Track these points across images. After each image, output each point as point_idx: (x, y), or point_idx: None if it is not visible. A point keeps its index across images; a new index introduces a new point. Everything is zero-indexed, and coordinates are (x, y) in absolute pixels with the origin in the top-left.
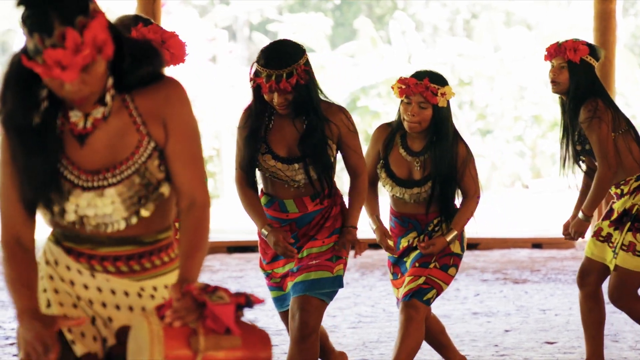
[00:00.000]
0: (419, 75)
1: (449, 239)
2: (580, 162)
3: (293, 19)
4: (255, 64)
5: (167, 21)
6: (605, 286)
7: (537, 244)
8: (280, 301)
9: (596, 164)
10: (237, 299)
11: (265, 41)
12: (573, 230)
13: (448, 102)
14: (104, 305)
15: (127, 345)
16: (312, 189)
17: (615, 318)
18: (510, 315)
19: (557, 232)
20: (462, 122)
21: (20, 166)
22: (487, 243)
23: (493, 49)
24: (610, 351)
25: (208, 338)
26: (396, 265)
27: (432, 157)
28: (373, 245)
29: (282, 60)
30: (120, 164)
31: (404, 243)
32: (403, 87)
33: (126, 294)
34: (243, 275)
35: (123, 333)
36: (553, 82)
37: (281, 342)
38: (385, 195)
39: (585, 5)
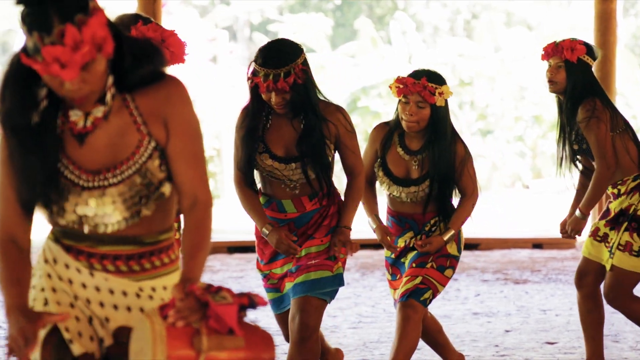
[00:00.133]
0: (417, 75)
1: (446, 238)
2: (577, 161)
3: (293, 19)
4: (253, 63)
5: (168, 21)
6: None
7: (537, 244)
8: (277, 303)
9: (593, 163)
10: (240, 300)
11: (266, 41)
12: (570, 228)
13: (446, 101)
14: (101, 304)
15: (130, 345)
16: (309, 188)
17: (615, 318)
18: (511, 316)
19: (558, 233)
20: (463, 122)
21: (18, 165)
22: (488, 243)
23: (493, 49)
24: (611, 351)
25: (211, 338)
26: (394, 266)
27: (430, 156)
28: (373, 245)
29: (280, 60)
30: (120, 164)
31: (400, 243)
32: (401, 86)
33: (124, 293)
34: (243, 275)
35: (121, 333)
36: (550, 81)
37: (282, 342)
38: (383, 195)
39: (585, 6)
